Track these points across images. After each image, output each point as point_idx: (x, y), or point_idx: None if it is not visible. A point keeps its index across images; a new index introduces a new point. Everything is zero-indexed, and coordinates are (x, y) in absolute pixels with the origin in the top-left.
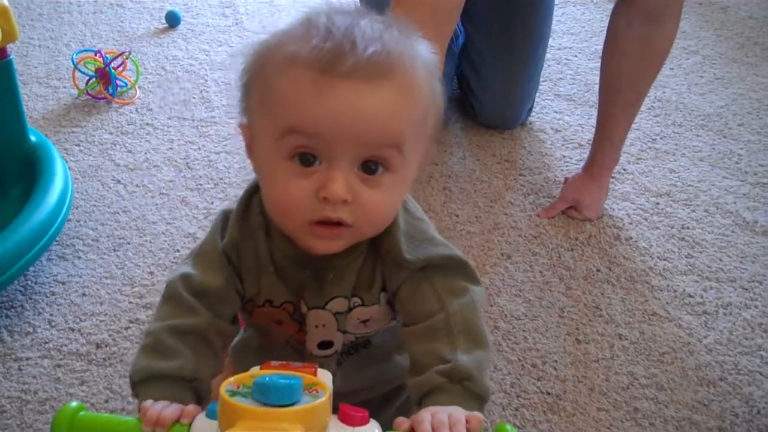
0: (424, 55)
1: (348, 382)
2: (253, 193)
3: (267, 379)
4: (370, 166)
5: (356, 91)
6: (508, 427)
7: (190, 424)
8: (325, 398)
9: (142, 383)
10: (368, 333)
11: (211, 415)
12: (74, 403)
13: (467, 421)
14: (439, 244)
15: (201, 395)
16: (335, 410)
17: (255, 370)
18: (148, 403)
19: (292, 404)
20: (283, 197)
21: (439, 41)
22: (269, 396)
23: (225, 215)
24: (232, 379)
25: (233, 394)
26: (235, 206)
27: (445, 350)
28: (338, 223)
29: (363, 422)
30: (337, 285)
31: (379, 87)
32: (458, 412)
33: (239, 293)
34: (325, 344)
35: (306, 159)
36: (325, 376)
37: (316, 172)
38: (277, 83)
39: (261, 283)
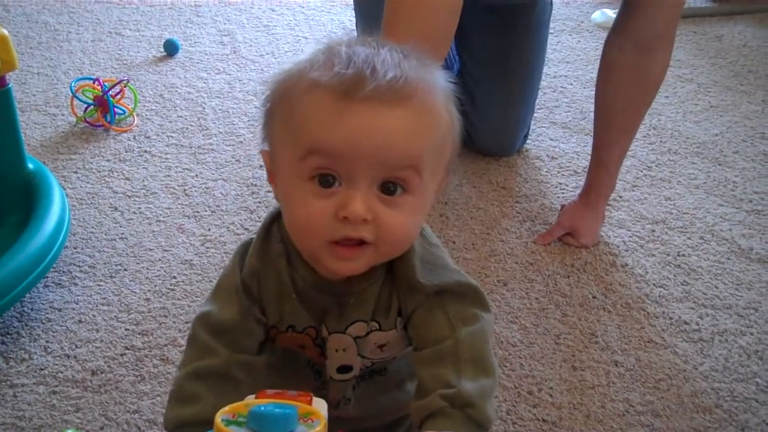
0: (442, 83)
1: (360, 407)
2: (272, 222)
3: (262, 408)
4: (389, 187)
5: (375, 113)
6: None
7: None
8: (320, 428)
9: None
10: (384, 358)
11: None
12: (70, 431)
13: None
14: (453, 270)
15: None
16: None
17: (250, 399)
18: None
19: None
20: (303, 218)
21: None
22: (264, 426)
23: (244, 246)
24: (227, 408)
25: (228, 423)
26: (254, 237)
27: (450, 376)
28: (359, 243)
29: None
30: (358, 309)
31: (398, 110)
32: None
33: (261, 322)
34: (344, 368)
35: (326, 180)
36: (320, 406)
37: (336, 194)
38: (300, 107)
39: (284, 310)
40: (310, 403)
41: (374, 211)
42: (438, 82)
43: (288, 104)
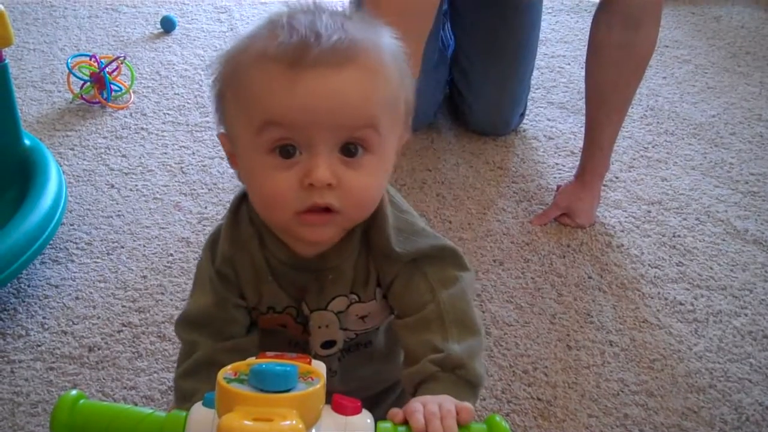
0: (387, 40)
1: (345, 380)
2: (239, 205)
3: (264, 366)
4: (350, 149)
5: (324, 77)
6: (498, 418)
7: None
8: (319, 386)
9: None
10: (367, 329)
11: (208, 404)
12: (74, 392)
13: (457, 412)
14: (428, 235)
15: None
16: (328, 401)
17: (252, 359)
18: None
19: (288, 390)
20: (268, 191)
21: (415, 36)
22: (266, 382)
23: (213, 237)
24: (229, 367)
25: (230, 380)
26: (222, 225)
27: (437, 340)
28: (326, 210)
29: (355, 412)
30: (337, 284)
31: (347, 71)
32: (449, 403)
33: (241, 307)
34: (328, 343)
35: (286, 151)
36: (319, 366)
37: (298, 163)
38: (249, 81)
39: (262, 292)
40: (309, 363)
41: (338, 174)
42: (383, 40)
43: (237, 80)
